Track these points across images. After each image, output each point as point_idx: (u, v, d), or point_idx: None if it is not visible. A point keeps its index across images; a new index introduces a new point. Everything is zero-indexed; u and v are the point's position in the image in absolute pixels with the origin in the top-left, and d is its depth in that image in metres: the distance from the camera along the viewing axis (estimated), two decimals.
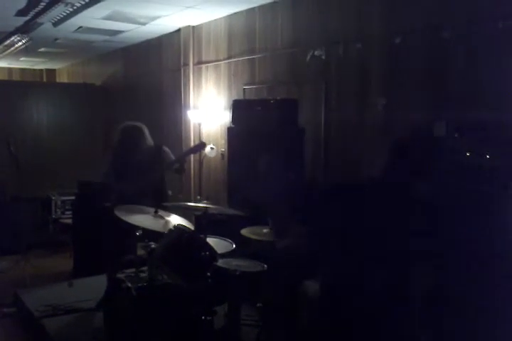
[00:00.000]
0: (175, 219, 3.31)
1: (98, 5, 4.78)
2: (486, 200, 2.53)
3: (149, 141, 4.15)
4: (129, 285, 2.95)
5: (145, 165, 3.99)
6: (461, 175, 2.67)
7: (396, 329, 1.83)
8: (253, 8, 4.97)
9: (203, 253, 2.80)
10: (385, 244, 1.85)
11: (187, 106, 5.96)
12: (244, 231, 3.21)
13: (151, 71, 6.94)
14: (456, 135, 2.90)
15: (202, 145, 4.15)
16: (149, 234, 3.35)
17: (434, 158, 2.28)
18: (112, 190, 3.99)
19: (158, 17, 5.42)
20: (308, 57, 4.30)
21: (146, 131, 4.13)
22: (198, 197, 5.38)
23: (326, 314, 1.97)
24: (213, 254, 2.82)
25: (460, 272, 2.57)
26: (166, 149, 4.18)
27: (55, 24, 5.61)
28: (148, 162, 4.02)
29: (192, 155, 5.90)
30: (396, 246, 1.89)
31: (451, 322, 2.52)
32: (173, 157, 4.14)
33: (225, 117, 5.20)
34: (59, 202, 6.63)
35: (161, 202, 3.64)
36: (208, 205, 3.27)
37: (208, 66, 5.76)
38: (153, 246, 3.13)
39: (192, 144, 5.66)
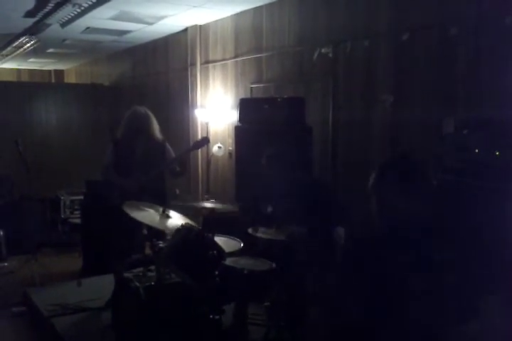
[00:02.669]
0: (182, 219, 3.30)
1: (105, 5, 4.80)
2: (496, 197, 2.50)
3: (158, 132, 3.93)
4: (137, 284, 2.95)
5: (150, 159, 3.80)
6: (469, 172, 2.64)
7: (399, 329, 1.81)
8: (260, 7, 4.96)
9: (210, 253, 2.79)
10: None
11: (194, 106, 5.96)
12: (251, 230, 3.20)
13: (159, 71, 6.95)
14: (465, 132, 2.87)
15: (205, 140, 3.89)
16: (157, 233, 3.35)
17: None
18: (115, 187, 3.77)
19: (165, 16, 5.42)
20: (316, 55, 4.29)
21: (155, 121, 3.93)
22: (206, 196, 5.39)
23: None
24: (221, 253, 2.82)
25: (469, 273, 2.55)
26: (168, 146, 4.01)
27: (63, 25, 5.64)
28: (153, 156, 3.83)
29: (200, 155, 5.91)
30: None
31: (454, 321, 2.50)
32: (173, 155, 3.97)
33: (233, 116, 5.19)
34: (68, 202, 6.65)
35: (161, 202, 3.57)
36: (215, 205, 3.26)
37: (215, 65, 5.76)
38: (161, 245, 3.13)
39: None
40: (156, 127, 3.93)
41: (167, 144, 4.01)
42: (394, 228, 1.80)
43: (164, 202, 3.68)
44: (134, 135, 3.85)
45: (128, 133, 3.87)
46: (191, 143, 3.90)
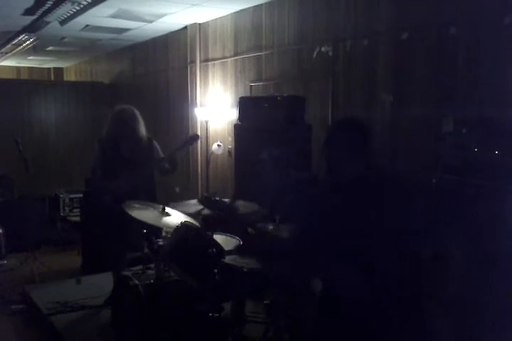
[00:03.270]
0: (182, 216, 3.31)
1: (104, 3, 4.79)
2: (495, 196, 2.51)
3: (144, 131, 3.85)
4: (136, 282, 2.96)
5: (138, 158, 3.73)
6: (469, 171, 2.65)
7: (397, 329, 1.81)
8: (260, 5, 4.95)
9: (210, 250, 2.80)
10: (382, 243, 1.82)
11: (194, 104, 5.96)
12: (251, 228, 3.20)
13: (158, 69, 6.95)
14: (464, 131, 2.87)
15: (195, 137, 3.88)
16: (156, 232, 3.36)
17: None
18: (105, 189, 3.69)
19: (165, 15, 5.42)
20: (315, 54, 4.28)
21: (141, 120, 3.85)
22: (205, 194, 5.38)
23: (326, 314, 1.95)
24: (220, 251, 2.83)
25: (464, 270, 2.55)
26: (156, 144, 3.94)
27: (62, 23, 5.63)
28: (141, 155, 3.76)
29: (199, 153, 5.91)
30: (395, 244, 1.87)
31: (453, 321, 2.51)
32: (161, 154, 3.90)
33: (232, 114, 5.19)
34: (67, 200, 6.67)
35: (151, 200, 3.53)
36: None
37: (214, 63, 5.76)
38: (160, 243, 3.13)
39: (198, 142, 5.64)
40: (142, 126, 3.85)
41: (155, 142, 3.95)
42: (338, 185, 1.99)
43: (154, 200, 3.65)
44: (120, 134, 3.78)
45: (113, 132, 3.81)
46: (180, 142, 3.82)
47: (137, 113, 3.86)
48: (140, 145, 3.82)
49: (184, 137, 5.47)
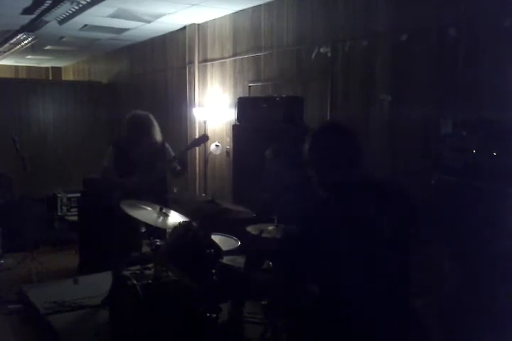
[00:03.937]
0: (180, 217, 3.31)
1: (103, 3, 4.78)
2: (493, 198, 2.51)
3: (159, 135, 3.90)
4: (134, 282, 2.96)
5: (151, 161, 3.79)
6: (467, 173, 2.65)
7: (394, 329, 1.81)
8: (258, 6, 4.96)
9: (208, 251, 2.80)
10: (384, 245, 1.83)
11: (192, 104, 5.96)
12: (250, 228, 3.20)
13: (157, 69, 6.94)
14: (463, 133, 2.88)
15: (204, 137, 3.93)
16: (154, 231, 3.36)
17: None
18: (115, 188, 3.75)
19: (164, 15, 5.42)
20: (314, 55, 4.29)
21: (156, 125, 3.90)
22: (203, 195, 5.39)
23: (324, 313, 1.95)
24: (218, 251, 2.83)
25: (465, 271, 2.56)
26: (168, 146, 3.99)
27: (61, 22, 5.62)
28: (154, 158, 3.82)
29: (197, 153, 5.91)
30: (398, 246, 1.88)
31: (451, 322, 2.51)
32: (173, 154, 3.95)
33: (231, 115, 5.19)
34: (65, 200, 6.66)
35: (162, 202, 3.56)
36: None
37: (213, 64, 5.76)
38: (158, 243, 3.13)
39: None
40: (157, 131, 3.89)
41: (166, 144, 4.00)
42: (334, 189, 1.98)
43: (166, 202, 3.67)
44: (135, 140, 3.81)
45: (128, 137, 3.85)
46: (189, 143, 3.87)
47: (152, 118, 3.89)
48: (154, 150, 3.87)
49: (193, 137, 5.50)
